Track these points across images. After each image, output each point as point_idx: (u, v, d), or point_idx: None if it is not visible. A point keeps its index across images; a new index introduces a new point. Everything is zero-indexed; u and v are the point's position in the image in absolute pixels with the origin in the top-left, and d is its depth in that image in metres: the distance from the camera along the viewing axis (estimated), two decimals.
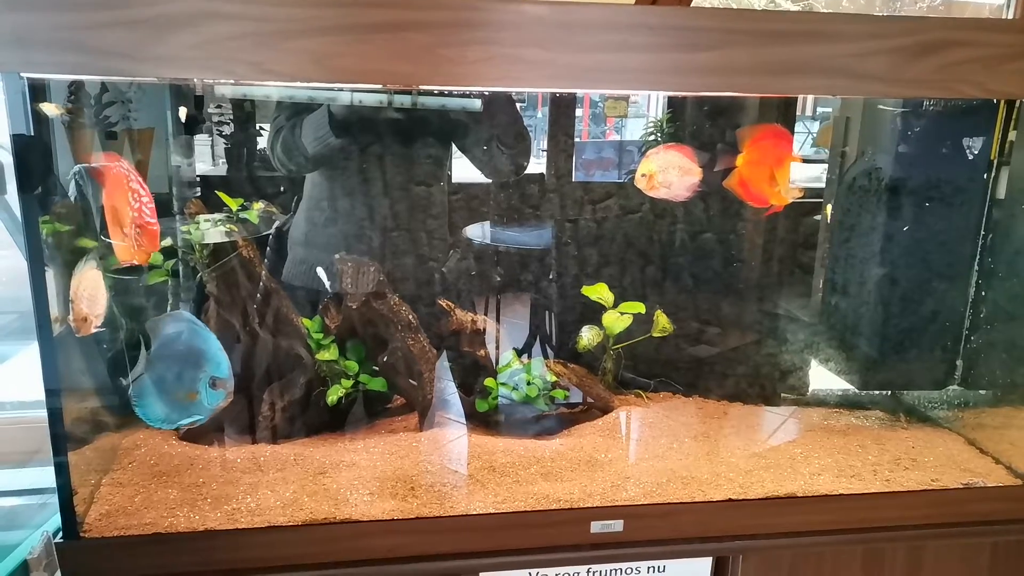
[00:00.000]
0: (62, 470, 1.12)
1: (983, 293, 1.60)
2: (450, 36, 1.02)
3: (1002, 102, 1.51)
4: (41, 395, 1.10)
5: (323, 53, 1.00)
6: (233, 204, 1.41)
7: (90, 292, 1.14)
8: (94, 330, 1.15)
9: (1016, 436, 1.49)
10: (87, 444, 1.27)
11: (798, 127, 1.85)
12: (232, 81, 1.08)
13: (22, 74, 0.98)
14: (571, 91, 1.69)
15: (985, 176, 1.57)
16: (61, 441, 1.11)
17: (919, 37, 1.09)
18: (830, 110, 1.95)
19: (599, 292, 1.57)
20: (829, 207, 1.67)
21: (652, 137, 1.96)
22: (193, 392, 1.15)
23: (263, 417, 1.41)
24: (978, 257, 1.59)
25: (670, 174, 1.31)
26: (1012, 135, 1.53)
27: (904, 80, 1.12)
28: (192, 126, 1.61)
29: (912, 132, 1.58)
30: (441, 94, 1.50)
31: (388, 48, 1.01)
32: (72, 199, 1.35)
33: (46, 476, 1.15)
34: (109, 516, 1.18)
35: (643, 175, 1.32)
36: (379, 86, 1.40)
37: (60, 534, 1.15)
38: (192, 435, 1.39)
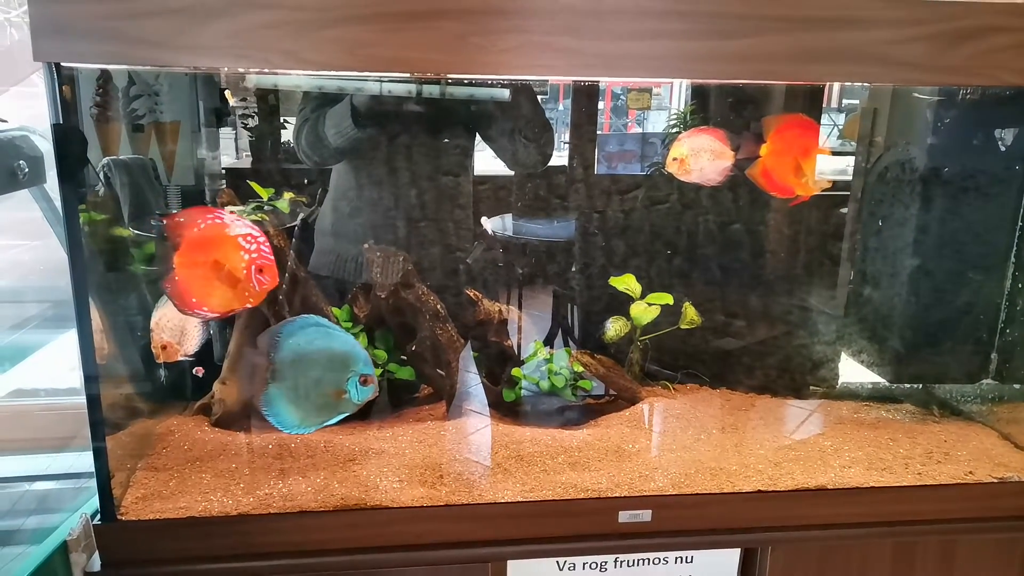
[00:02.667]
0: (100, 455, 1.14)
1: (1020, 285, 1.57)
2: (482, 25, 1.02)
3: None
4: (75, 382, 1.12)
5: (356, 42, 1.01)
6: (264, 193, 1.42)
7: (173, 324, 1.16)
8: (181, 358, 1.18)
9: None
10: (123, 430, 1.29)
11: (824, 119, 1.83)
12: (266, 70, 1.09)
13: (63, 64, 1.00)
14: (602, 80, 1.68)
15: (1020, 167, 1.54)
16: (99, 427, 1.13)
17: (958, 23, 1.08)
18: (857, 102, 1.93)
19: (627, 283, 1.57)
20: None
21: (675, 129, 1.94)
22: (341, 393, 1.15)
23: None
24: (1015, 249, 1.56)
25: (702, 158, 1.29)
26: None
27: (942, 67, 1.10)
28: (218, 118, 1.63)
29: (942, 122, 1.55)
30: (463, 84, 1.50)
31: (421, 37, 1.01)
32: (99, 191, 1.38)
33: (83, 461, 1.18)
34: (145, 500, 1.20)
35: (674, 159, 1.31)
36: (402, 75, 1.40)
37: (98, 516, 1.18)
38: (224, 422, 1.40)
